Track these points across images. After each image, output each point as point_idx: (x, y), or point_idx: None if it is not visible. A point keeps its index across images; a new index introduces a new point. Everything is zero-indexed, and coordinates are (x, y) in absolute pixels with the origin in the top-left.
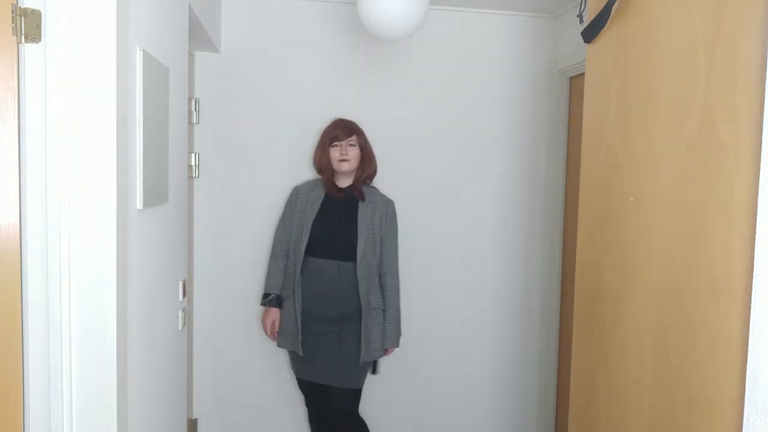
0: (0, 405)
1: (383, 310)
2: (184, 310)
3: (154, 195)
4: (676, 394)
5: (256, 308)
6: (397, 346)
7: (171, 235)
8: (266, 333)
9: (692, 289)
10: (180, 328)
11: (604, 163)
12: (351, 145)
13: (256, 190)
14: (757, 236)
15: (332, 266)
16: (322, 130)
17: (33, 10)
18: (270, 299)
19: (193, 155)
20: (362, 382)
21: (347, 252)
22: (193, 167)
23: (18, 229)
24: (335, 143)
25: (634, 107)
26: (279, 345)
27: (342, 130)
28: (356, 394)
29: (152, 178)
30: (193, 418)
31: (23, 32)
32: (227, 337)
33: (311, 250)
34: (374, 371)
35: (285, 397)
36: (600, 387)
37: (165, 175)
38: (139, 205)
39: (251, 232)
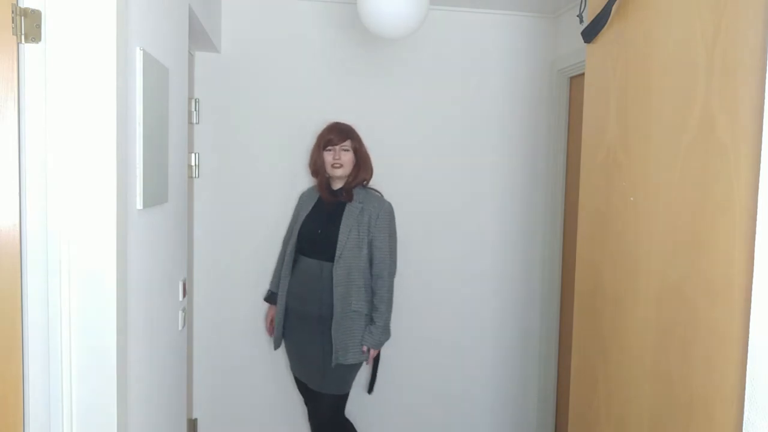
0: (0, 405)
1: (368, 314)
2: (184, 310)
3: (154, 195)
4: (676, 394)
5: (256, 308)
6: (377, 349)
7: (171, 235)
8: (266, 327)
9: (692, 289)
10: (180, 328)
11: (604, 163)
12: (345, 150)
13: (255, 190)
14: (757, 236)
15: (316, 266)
16: (318, 133)
17: (33, 10)
18: (268, 296)
19: (193, 155)
20: (346, 389)
21: (330, 252)
22: (193, 167)
23: (18, 230)
24: (329, 147)
25: (634, 107)
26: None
27: (336, 134)
28: (339, 399)
29: (152, 178)
30: (193, 418)
31: (23, 32)
32: (227, 337)
33: (302, 249)
34: (370, 390)
35: (285, 397)
36: (600, 387)
37: (165, 175)
38: (139, 205)
39: (251, 232)
